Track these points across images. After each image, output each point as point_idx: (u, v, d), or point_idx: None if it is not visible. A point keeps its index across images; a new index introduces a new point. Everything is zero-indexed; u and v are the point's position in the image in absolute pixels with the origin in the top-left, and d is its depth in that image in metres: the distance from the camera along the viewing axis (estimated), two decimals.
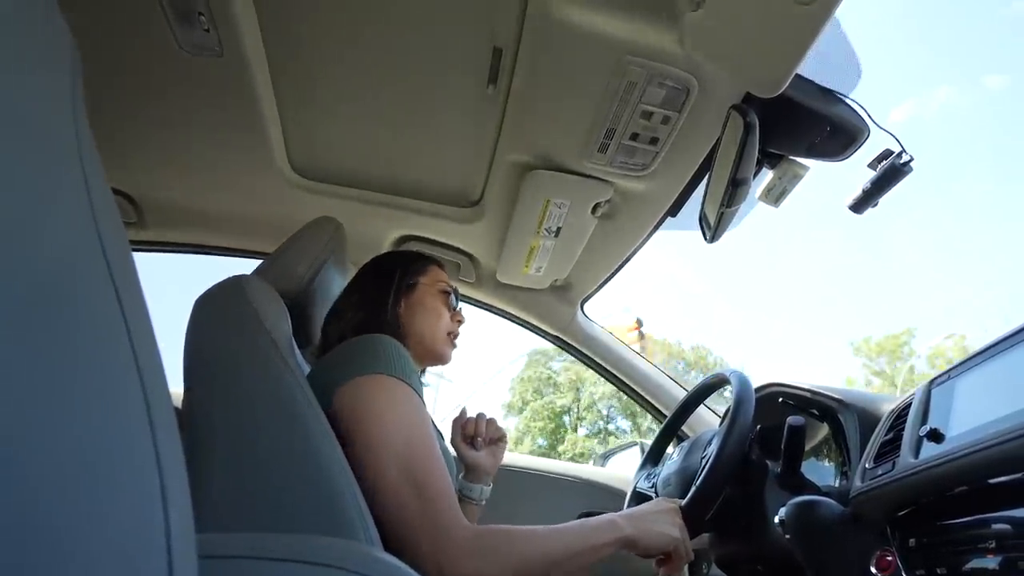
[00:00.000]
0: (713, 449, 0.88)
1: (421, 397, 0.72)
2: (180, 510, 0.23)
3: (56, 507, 0.18)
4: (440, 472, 0.66)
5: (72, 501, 0.19)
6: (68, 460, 0.19)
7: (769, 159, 0.94)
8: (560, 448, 17.46)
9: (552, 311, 1.57)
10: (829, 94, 0.85)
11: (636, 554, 0.72)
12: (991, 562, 0.54)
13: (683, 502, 0.83)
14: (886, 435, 0.77)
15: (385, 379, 0.69)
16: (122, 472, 0.21)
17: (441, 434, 0.95)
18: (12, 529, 0.16)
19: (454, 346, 0.96)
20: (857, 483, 0.74)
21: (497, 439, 1.04)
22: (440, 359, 0.94)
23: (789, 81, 0.71)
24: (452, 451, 0.98)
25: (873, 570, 0.67)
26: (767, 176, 0.97)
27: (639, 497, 1.15)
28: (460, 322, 0.98)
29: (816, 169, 0.94)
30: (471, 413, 1.05)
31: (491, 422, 1.05)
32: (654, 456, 1.22)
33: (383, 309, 0.88)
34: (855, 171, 0.93)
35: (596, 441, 17.81)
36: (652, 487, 1.10)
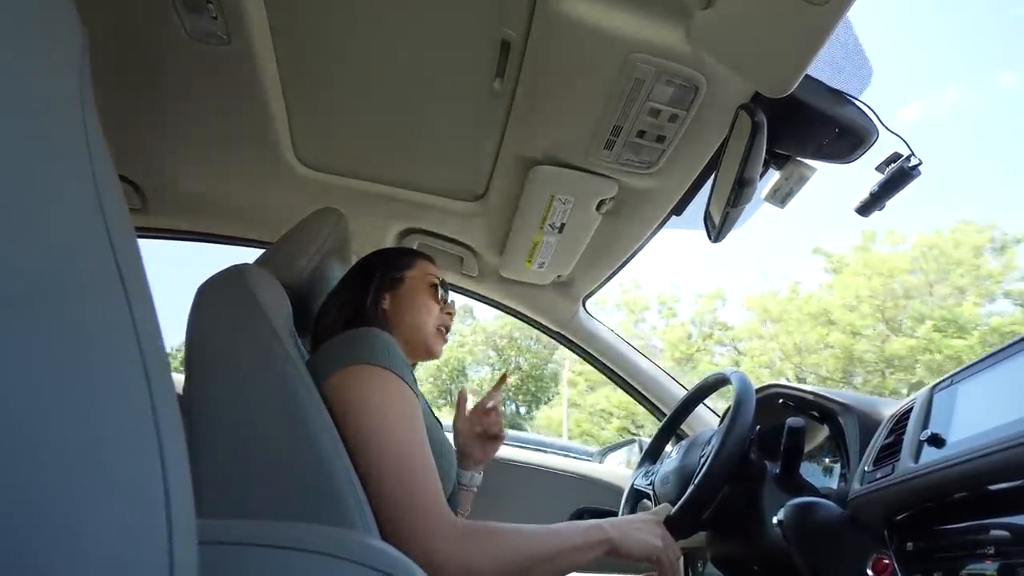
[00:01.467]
0: (712, 448, 0.88)
1: (413, 388, 0.73)
2: (181, 496, 0.23)
3: (56, 490, 0.18)
4: (428, 462, 0.67)
5: (75, 485, 0.19)
6: (69, 444, 0.19)
7: (776, 160, 0.94)
8: None
9: (554, 307, 1.57)
10: (838, 95, 0.85)
11: (622, 559, 0.74)
12: (989, 568, 0.54)
13: (672, 510, 0.84)
14: (886, 438, 0.77)
15: (372, 368, 0.70)
16: (124, 458, 0.21)
17: (441, 424, 0.95)
18: (15, 515, 0.17)
19: (444, 340, 0.96)
20: (856, 486, 0.74)
21: (493, 436, 1.03)
22: (430, 353, 0.94)
23: (799, 82, 0.71)
24: (451, 441, 0.98)
25: (870, 573, 0.68)
26: (773, 177, 0.97)
27: (636, 494, 1.15)
28: (450, 315, 0.98)
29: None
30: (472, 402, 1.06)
31: (495, 419, 1.04)
32: (652, 454, 1.22)
33: (363, 306, 0.88)
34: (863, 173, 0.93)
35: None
36: (650, 484, 1.10)
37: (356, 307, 0.88)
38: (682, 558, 1.30)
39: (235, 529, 0.39)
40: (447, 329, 0.97)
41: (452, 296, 1.02)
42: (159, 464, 0.22)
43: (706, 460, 0.87)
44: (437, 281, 0.96)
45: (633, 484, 1.17)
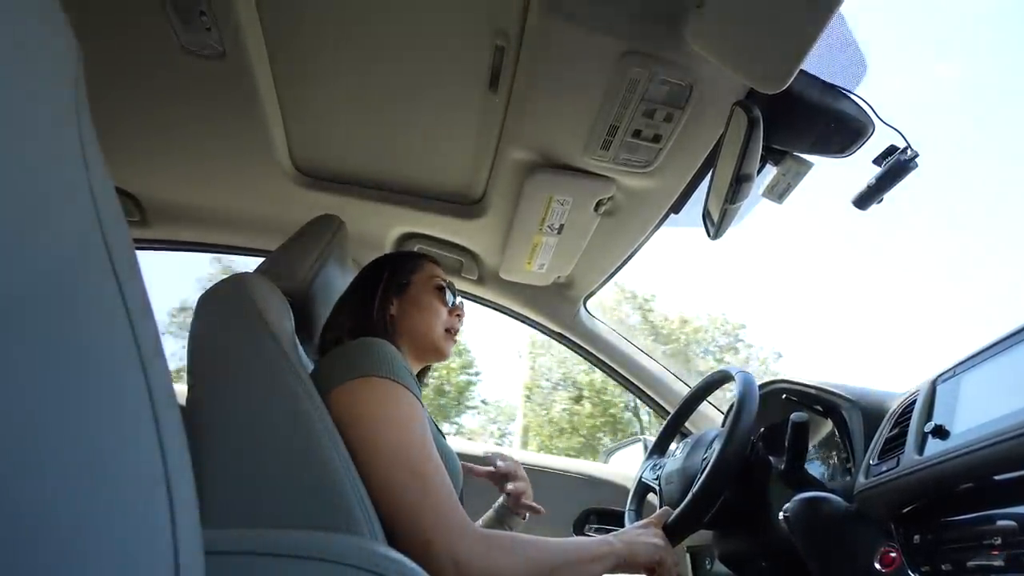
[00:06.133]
0: (713, 453, 0.88)
1: (417, 397, 0.73)
2: (186, 507, 0.23)
3: (61, 504, 0.18)
4: (441, 469, 0.67)
5: (77, 498, 0.19)
6: (72, 457, 0.19)
7: (773, 155, 0.94)
8: None
9: (555, 308, 1.57)
10: (833, 89, 0.85)
11: (630, 570, 0.76)
12: (996, 559, 0.53)
13: (672, 515, 0.85)
14: (891, 431, 0.76)
15: (377, 381, 0.70)
16: (127, 469, 0.21)
17: (442, 432, 0.95)
18: (17, 526, 0.17)
19: (454, 342, 0.96)
20: (861, 479, 0.74)
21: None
22: (439, 355, 0.94)
23: (793, 77, 0.71)
24: (454, 449, 0.98)
25: (877, 566, 0.67)
26: (771, 172, 0.97)
27: (644, 488, 1.15)
28: (459, 316, 0.98)
29: None
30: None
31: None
32: (660, 448, 1.23)
33: (370, 312, 0.88)
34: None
35: None
36: (656, 479, 1.10)
37: (363, 314, 0.88)
38: (689, 556, 1.30)
39: (241, 538, 0.39)
40: (455, 331, 0.96)
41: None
42: (163, 475, 0.22)
43: (707, 464, 0.87)
44: (444, 283, 0.96)
45: (641, 477, 1.17)
